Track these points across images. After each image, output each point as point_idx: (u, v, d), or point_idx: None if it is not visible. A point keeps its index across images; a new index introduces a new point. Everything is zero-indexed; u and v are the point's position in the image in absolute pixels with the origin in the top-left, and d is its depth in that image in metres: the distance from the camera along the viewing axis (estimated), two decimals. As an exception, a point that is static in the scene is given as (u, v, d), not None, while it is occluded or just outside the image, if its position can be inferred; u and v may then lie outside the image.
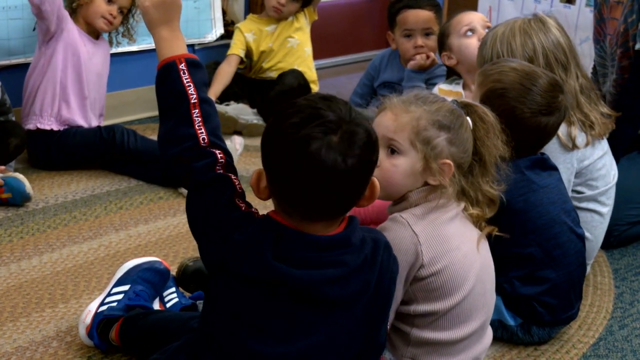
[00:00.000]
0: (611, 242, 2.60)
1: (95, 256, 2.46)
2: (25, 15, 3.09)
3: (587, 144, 2.24)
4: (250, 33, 3.64)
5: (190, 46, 3.69)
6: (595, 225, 2.33)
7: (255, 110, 3.55)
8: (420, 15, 3.26)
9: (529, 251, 2.02)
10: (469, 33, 2.83)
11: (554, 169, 2.11)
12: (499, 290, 1.98)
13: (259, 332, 1.49)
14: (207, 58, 3.71)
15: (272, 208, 1.50)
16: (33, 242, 2.52)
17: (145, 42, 3.44)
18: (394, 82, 3.33)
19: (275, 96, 3.47)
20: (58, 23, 2.92)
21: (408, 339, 1.78)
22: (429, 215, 1.74)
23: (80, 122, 3.07)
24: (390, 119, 1.75)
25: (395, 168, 1.73)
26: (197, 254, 1.63)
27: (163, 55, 1.60)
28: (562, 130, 2.17)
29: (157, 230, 2.65)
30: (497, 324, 2.06)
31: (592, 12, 3.03)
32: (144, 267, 2.10)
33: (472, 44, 2.76)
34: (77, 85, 3.04)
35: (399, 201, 1.78)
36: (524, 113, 1.99)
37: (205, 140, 1.55)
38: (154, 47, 1.64)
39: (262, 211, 1.52)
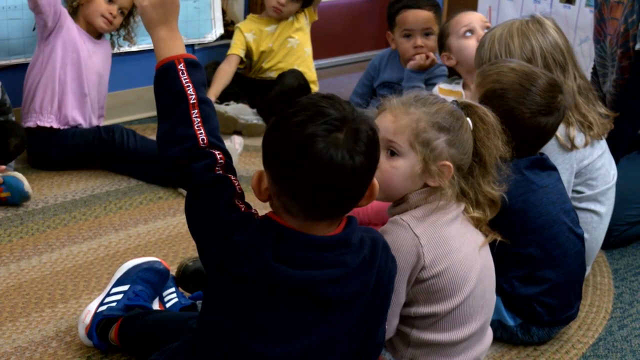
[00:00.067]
0: (611, 242, 2.60)
1: (94, 256, 2.46)
2: (25, 15, 3.09)
3: (585, 144, 2.24)
4: (251, 33, 3.64)
5: (190, 46, 3.69)
6: (595, 226, 2.33)
7: (255, 110, 3.55)
8: (419, 16, 3.25)
9: (529, 251, 2.02)
10: (468, 34, 2.82)
11: (553, 169, 2.11)
12: (499, 290, 1.98)
13: (259, 332, 1.49)
14: (207, 58, 3.71)
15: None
16: (32, 242, 2.52)
17: (145, 42, 3.44)
18: (393, 82, 3.32)
19: (275, 96, 3.47)
20: (55, 18, 2.92)
21: (408, 340, 1.78)
22: (430, 217, 1.74)
23: (80, 120, 3.07)
24: (390, 121, 1.74)
25: (394, 170, 1.73)
26: (197, 254, 1.62)
27: (161, 55, 1.60)
28: (561, 130, 2.17)
29: (156, 231, 2.65)
30: (497, 324, 2.06)
31: (592, 12, 3.03)
32: (143, 267, 2.10)
33: (471, 44, 2.75)
34: (76, 82, 3.03)
35: (399, 202, 1.78)
36: (523, 113, 1.99)
37: (205, 141, 1.54)
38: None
39: (261, 212, 1.52)
